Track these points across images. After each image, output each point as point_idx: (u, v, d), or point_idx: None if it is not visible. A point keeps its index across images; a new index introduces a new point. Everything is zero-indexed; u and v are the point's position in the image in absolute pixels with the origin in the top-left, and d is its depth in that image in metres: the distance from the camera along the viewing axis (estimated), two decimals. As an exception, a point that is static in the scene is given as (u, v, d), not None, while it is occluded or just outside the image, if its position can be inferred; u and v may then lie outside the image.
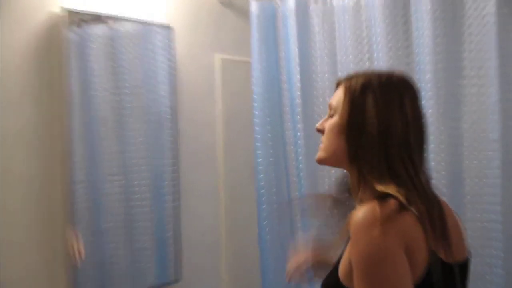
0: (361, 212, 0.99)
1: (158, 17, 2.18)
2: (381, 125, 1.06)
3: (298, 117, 2.20)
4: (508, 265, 1.84)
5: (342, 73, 2.08)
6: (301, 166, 2.21)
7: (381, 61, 2.02)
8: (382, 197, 1.01)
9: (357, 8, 2.11)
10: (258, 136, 2.26)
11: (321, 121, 1.19)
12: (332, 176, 2.15)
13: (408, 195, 1.01)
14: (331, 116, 1.16)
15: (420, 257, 0.99)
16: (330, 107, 1.16)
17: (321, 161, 1.17)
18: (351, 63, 2.11)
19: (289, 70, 2.24)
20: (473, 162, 1.93)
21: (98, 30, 1.98)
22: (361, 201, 1.08)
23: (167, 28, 2.19)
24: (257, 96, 2.26)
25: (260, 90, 2.26)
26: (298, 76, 2.21)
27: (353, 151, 1.09)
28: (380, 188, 1.03)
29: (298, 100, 2.21)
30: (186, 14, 2.31)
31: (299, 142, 2.21)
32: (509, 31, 1.86)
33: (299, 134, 2.21)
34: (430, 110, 1.92)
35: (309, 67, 2.23)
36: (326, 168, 2.15)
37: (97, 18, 1.97)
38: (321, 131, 1.18)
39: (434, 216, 1.03)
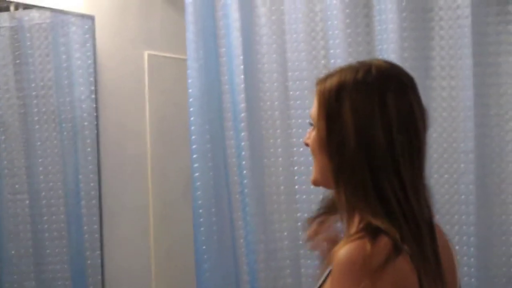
0: (348, 250, 0.92)
1: (75, 4, 2.11)
2: (360, 135, 0.96)
3: (242, 124, 2.12)
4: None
5: (292, 73, 2.09)
6: (245, 181, 2.12)
7: (338, 58, 1.98)
8: (372, 232, 0.93)
9: None
10: (195, 147, 2.16)
11: (307, 133, 1.11)
12: (281, 194, 2.11)
13: (400, 228, 0.93)
14: (313, 127, 1.08)
15: None
16: (311, 117, 1.09)
17: (315, 183, 1.10)
18: (303, 61, 2.06)
19: (231, 69, 2.17)
20: (443, 177, 1.92)
21: None
22: (349, 228, 1.02)
23: (85, 18, 2.13)
24: (193, 100, 2.16)
25: (197, 92, 2.16)
26: (242, 76, 2.12)
27: (335, 169, 1.00)
28: (368, 218, 0.95)
29: (242, 105, 2.12)
30: (109, 2, 2.25)
31: (243, 153, 2.13)
32: (485, 25, 1.87)
33: (242, 144, 2.13)
34: None
35: (254, 65, 2.16)
36: (273, 184, 2.13)
37: None
38: (307, 145, 1.10)
39: (428, 254, 0.95)
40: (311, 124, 1.07)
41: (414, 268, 0.92)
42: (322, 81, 1.04)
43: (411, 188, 0.96)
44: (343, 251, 0.92)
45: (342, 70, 1.02)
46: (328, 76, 1.03)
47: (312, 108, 1.06)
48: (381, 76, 0.99)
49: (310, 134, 1.08)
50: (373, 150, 0.95)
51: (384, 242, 0.92)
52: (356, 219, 0.99)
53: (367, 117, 0.96)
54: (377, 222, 0.93)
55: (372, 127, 0.95)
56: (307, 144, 1.09)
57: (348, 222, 1.02)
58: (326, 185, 1.07)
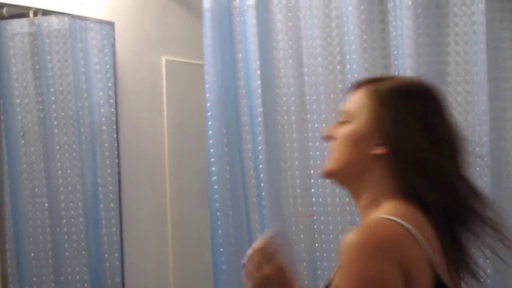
0: (356, 232, 0.95)
1: (94, 11, 2.12)
2: (414, 135, 1.03)
3: (259, 128, 2.12)
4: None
5: (309, 78, 2.09)
6: (262, 184, 2.12)
7: (354, 63, 1.98)
8: (385, 219, 0.98)
9: (326, 3, 2.07)
10: (212, 151, 2.15)
11: (330, 127, 1.13)
12: (298, 197, 2.10)
13: (416, 216, 0.99)
14: (343, 122, 1.10)
15: (420, 285, 0.95)
16: (344, 112, 1.11)
17: (329, 174, 1.12)
18: (319, 66, 2.06)
19: (247, 74, 2.16)
20: None
21: (17, 25, 1.95)
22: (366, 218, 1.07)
23: (104, 24, 2.14)
24: (211, 104, 2.16)
25: (215, 97, 2.16)
26: (259, 81, 2.13)
27: (373, 165, 1.05)
28: (389, 208, 1.01)
29: (259, 109, 2.13)
30: (128, 8, 2.26)
31: (260, 157, 2.12)
32: (499, 30, 1.87)
33: (259, 148, 2.12)
34: None
35: (271, 70, 2.15)
36: (290, 187, 2.12)
37: (17, 11, 1.92)
38: (330, 138, 1.12)
39: (446, 242, 1.01)
40: (343, 121, 1.10)
41: (422, 250, 0.95)
42: (371, 82, 1.10)
43: (447, 187, 1.03)
44: (351, 234, 0.95)
45: (392, 77, 1.12)
46: (382, 79, 1.10)
47: (349, 104, 1.10)
48: (432, 89, 1.08)
49: (335, 128, 1.11)
50: (422, 148, 1.01)
51: (393, 222, 0.96)
52: (375, 209, 1.03)
53: (425, 120, 1.03)
54: (395, 211, 0.98)
55: (426, 128, 1.03)
56: (329, 137, 1.11)
57: (365, 212, 1.06)
58: (342, 179, 1.11)
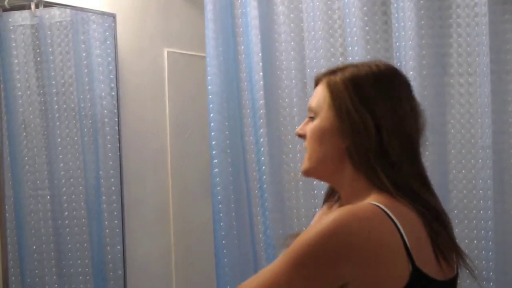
0: (338, 210, 0.96)
1: (96, 3, 2.10)
2: (382, 121, 1.01)
3: (261, 121, 2.11)
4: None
5: (311, 70, 2.06)
6: (264, 177, 2.11)
7: (356, 56, 1.96)
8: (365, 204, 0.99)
9: None
10: (214, 143, 2.15)
11: (301, 125, 1.12)
12: (300, 190, 2.10)
13: (396, 205, 0.98)
14: (311, 119, 1.09)
15: (395, 272, 0.94)
16: (309, 109, 1.10)
17: (307, 173, 1.11)
18: (321, 59, 2.04)
19: (250, 67, 2.15)
20: (461, 172, 1.91)
21: (19, 17, 1.94)
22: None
23: (106, 16, 2.12)
24: (213, 97, 2.15)
25: (217, 89, 2.15)
26: (261, 74, 2.12)
27: (350, 156, 1.03)
28: (373, 196, 1.00)
29: (261, 101, 2.12)
30: (129, 0, 2.25)
31: (262, 149, 2.12)
32: (502, 22, 1.87)
33: (261, 140, 2.12)
34: None
35: (273, 63, 2.14)
36: (292, 180, 2.13)
37: (18, 3, 1.91)
38: (302, 136, 1.11)
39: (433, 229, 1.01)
40: (310, 117, 1.09)
41: (403, 243, 0.94)
42: (329, 74, 1.08)
43: (419, 171, 1.04)
44: (329, 217, 0.94)
45: (352, 65, 1.07)
46: (337, 70, 1.07)
47: (311, 100, 1.09)
48: (392, 72, 1.07)
49: (305, 125, 1.10)
50: (388, 137, 1.00)
51: (374, 207, 0.96)
52: (361, 198, 1.02)
53: (386, 106, 1.02)
54: (379, 199, 0.98)
55: (393, 114, 1.02)
56: (300, 135, 1.10)
57: (349, 203, 1.05)
58: (320, 175, 1.11)
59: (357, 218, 0.93)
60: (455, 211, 1.90)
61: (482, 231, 1.84)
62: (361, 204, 0.98)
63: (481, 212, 1.84)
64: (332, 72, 1.07)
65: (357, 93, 1.02)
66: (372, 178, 1.01)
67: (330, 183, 1.15)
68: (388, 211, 0.95)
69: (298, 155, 2.08)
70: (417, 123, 1.06)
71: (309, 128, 1.08)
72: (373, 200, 0.99)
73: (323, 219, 0.96)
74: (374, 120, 1.01)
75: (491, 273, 1.82)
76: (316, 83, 1.11)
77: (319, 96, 1.07)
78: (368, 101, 1.02)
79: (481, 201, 1.84)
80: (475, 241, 1.86)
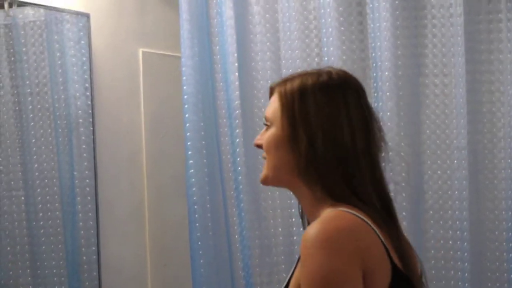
0: (312, 228, 0.95)
1: (69, 2, 2.10)
2: (327, 132, 1.03)
3: (237, 121, 2.12)
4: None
5: (287, 71, 2.07)
6: (240, 178, 2.12)
7: (332, 56, 1.98)
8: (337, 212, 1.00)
9: None
10: (190, 143, 2.14)
11: (259, 135, 1.14)
12: (276, 191, 2.10)
13: (366, 209, 1.00)
14: (267, 128, 1.12)
15: (381, 275, 0.97)
16: (265, 118, 1.12)
17: (264, 181, 1.12)
18: (297, 59, 2.05)
19: (225, 67, 2.16)
20: (437, 173, 1.92)
21: None
22: (312, 217, 1.07)
23: (80, 15, 2.12)
24: (188, 97, 2.14)
25: (192, 89, 2.15)
26: (236, 74, 2.12)
27: (298, 166, 1.04)
28: (333, 203, 1.02)
29: (237, 102, 2.13)
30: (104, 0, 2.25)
31: (238, 150, 2.12)
32: (477, 23, 1.88)
33: (237, 141, 2.12)
34: (388, 113, 1.92)
35: (248, 63, 2.15)
36: None
37: None
38: (260, 146, 1.13)
39: (393, 232, 1.03)
40: (265, 125, 1.11)
41: (380, 241, 0.97)
42: (281, 83, 1.09)
43: (374, 178, 1.05)
44: (308, 230, 0.95)
45: (302, 74, 1.09)
46: (288, 79, 1.09)
47: (267, 109, 1.11)
48: (341, 79, 1.07)
49: (262, 135, 1.11)
50: (339, 145, 1.02)
51: (348, 214, 0.97)
52: (321, 208, 1.03)
53: (333, 115, 1.03)
54: (342, 206, 0.99)
55: (337, 124, 1.03)
56: (259, 146, 1.12)
57: (311, 212, 1.06)
58: (278, 182, 1.12)
59: (341, 231, 0.94)
60: (431, 212, 1.92)
61: (458, 232, 1.86)
62: (334, 214, 0.98)
63: (456, 212, 1.86)
64: (284, 81, 1.09)
65: (304, 103, 1.04)
66: (323, 187, 1.03)
67: (289, 189, 1.15)
68: (361, 216, 0.97)
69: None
70: (371, 130, 1.06)
71: (265, 137, 1.09)
72: (337, 208, 1.00)
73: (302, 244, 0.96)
74: (319, 130, 1.02)
75: (466, 274, 1.83)
76: (271, 92, 1.12)
77: (273, 105, 1.09)
78: (315, 111, 1.03)
79: (457, 202, 1.86)
80: (450, 242, 1.88)
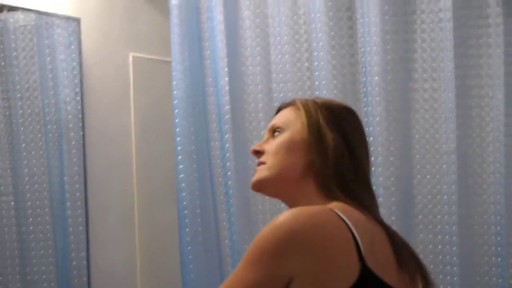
0: (268, 226, 0.97)
1: (60, 7, 2.12)
2: (340, 143, 1.10)
3: (227, 126, 2.12)
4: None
5: (277, 75, 2.09)
6: (230, 183, 2.12)
7: (322, 61, 1.98)
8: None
9: (294, 0, 2.07)
10: (180, 148, 2.15)
11: (259, 143, 1.17)
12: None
13: (355, 211, 1.04)
14: (273, 136, 1.15)
15: (343, 268, 0.95)
16: (273, 128, 1.16)
17: (259, 183, 1.13)
18: (287, 64, 2.05)
19: (215, 72, 2.17)
20: (426, 177, 1.92)
21: None
22: None
23: (70, 20, 2.14)
24: (178, 102, 2.16)
25: (182, 94, 2.16)
26: (226, 79, 2.13)
27: (319, 168, 1.10)
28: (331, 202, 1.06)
29: (227, 106, 2.13)
30: (94, 4, 2.24)
31: (228, 155, 2.12)
32: (466, 28, 1.87)
33: (227, 145, 2.12)
34: (378, 118, 1.92)
35: (238, 68, 2.15)
36: None
37: None
38: (258, 152, 1.15)
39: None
40: (275, 131, 1.15)
41: (352, 237, 0.96)
42: (297, 99, 1.18)
43: (367, 185, 1.13)
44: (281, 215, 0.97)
45: (314, 98, 1.20)
46: (303, 98, 1.18)
47: (276, 119, 1.16)
48: (347, 106, 1.19)
49: (265, 143, 1.15)
50: (351, 155, 1.11)
51: (325, 207, 1.00)
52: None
53: (349, 130, 1.13)
54: (335, 205, 1.03)
55: (352, 138, 1.13)
56: (257, 152, 1.15)
57: None
58: (277, 183, 1.12)
59: (304, 213, 0.96)
60: (420, 216, 1.91)
61: (447, 236, 1.85)
62: (298, 211, 0.98)
63: (446, 217, 1.85)
64: (300, 98, 1.18)
65: (329, 114, 1.12)
66: (330, 191, 1.07)
67: (281, 197, 1.16)
68: (340, 212, 0.97)
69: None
70: (367, 150, 1.18)
71: (276, 141, 1.12)
72: (332, 204, 1.02)
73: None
74: (343, 138, 1.10)
75: (455, 278, 1.82)
76: (279, 109, 1.19)
77: (287, 115, 1.14)
78: (339, 122, 1.12)
79: (446, 206, 1.85)
80: (439, 246, 1.87)
